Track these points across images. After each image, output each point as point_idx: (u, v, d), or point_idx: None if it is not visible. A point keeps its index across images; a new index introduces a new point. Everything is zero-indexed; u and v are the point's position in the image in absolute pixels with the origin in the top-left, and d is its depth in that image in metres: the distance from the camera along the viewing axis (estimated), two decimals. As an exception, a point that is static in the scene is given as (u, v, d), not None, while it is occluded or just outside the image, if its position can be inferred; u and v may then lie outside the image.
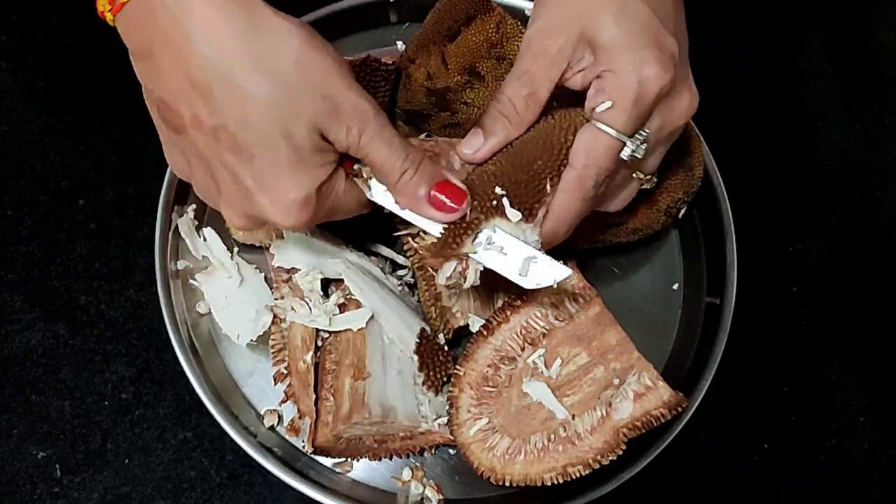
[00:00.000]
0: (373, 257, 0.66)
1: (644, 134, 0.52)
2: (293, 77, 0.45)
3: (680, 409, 0.57)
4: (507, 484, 0.57)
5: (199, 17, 0.44)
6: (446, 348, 0.62)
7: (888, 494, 0.69)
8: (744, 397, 0.71)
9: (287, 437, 0.62)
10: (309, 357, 0.62)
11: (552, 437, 0.57)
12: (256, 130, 0.45)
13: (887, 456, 0.70)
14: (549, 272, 0.52)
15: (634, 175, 0.56)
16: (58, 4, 0.82)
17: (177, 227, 0.65)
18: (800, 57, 0.87)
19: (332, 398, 0.60)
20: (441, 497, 0.61)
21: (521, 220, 0.52)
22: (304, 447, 0.62)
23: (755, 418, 0.71)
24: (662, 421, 0.56)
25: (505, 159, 0.55)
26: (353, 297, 0.63)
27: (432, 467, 0.63)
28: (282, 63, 0.45)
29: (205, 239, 0.66)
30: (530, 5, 0.72)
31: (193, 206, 0.67)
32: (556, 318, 0.61)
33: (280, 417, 0.63)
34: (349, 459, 0.62)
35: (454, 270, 0.52)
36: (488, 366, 0.60)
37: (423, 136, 0.67)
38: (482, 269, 0.53)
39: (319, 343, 0.63)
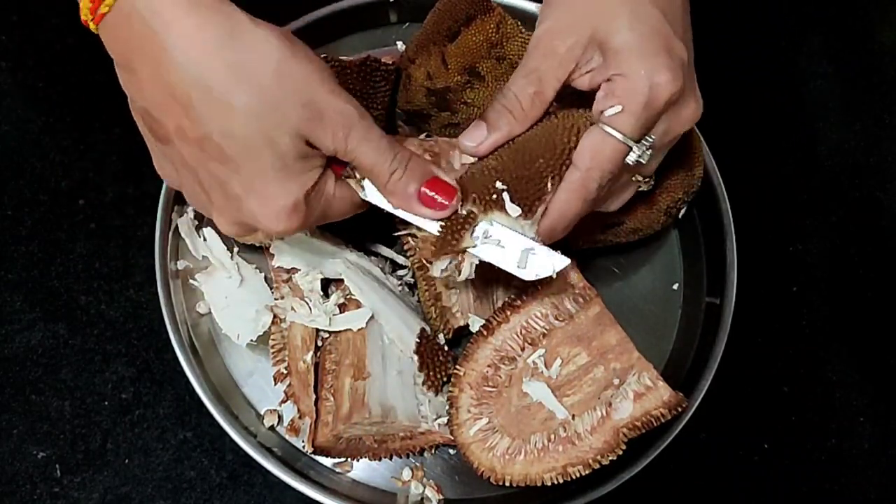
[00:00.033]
0: (373, 257, 0.66)
1: (650, 140, 0.53)
2: (273, 85, 0.45)
3: (680, 409, 0.57)
4: (507, 484, 0.57)
5: (177, 29, 0.43)
6: (446, 348, 0.62)
7: (888, 494, 0.69)
8: (744, 397, 0.71)
9: (287, 437, 0.62)
10: (309, 357, 0.62)
11: (552, 437, 0.57)
12: (240, 139, 0.45)
13: (887, 456, 0.70)
14: (548, 262, 0.52)
15: (633, 178, 0.56)
16: (58, 4, 0.82)
17: (177, 227, 0.65)
18: (800, 57, 0.87)
19: (332, 398, 0.60)
20: (441, 497, 0.61)
21: (520, 215, 0.52)
22: (304, 447, 0.62)
23: (755, 418, 0.71)
24: (662, 421, 0.56)
25: (507, 155, 0.55)
26: (353, 297, 0.63)
27: (432, 467, 0.63)
28: (261, 72, 0.45)
29: (205, 239, 0.66)
30: (530, 5, 0.73)
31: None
32: (556, 318, 0.61)
33: (280, 417, 0.63)
34: (349, 459, 0.62)
35: (449, 263, 0.52)
36: (488, 366, 0.60)
37: (423, 136, 0.67)
38: (477, 262, 0.53)
39: (319, 343, 0.63)
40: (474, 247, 0.52)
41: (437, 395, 0.61)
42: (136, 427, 0.67)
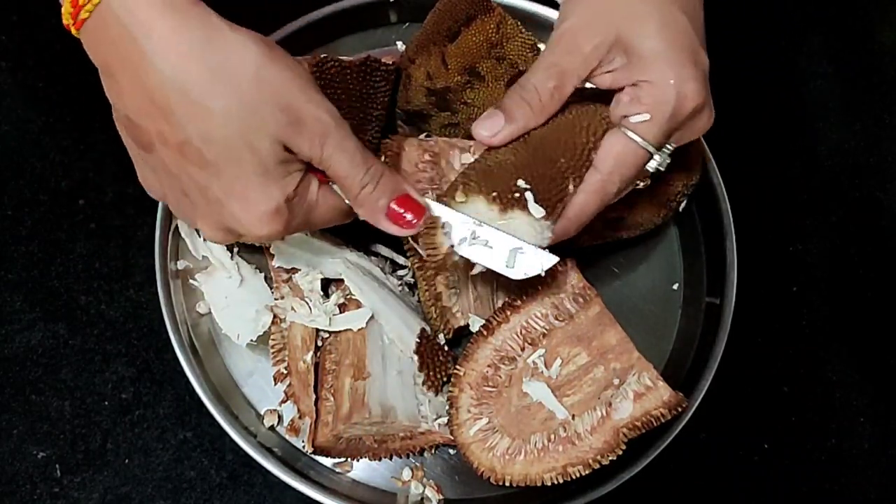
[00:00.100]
0: (373, 257, 0.66)
1: (671, 147, 0.53)
2: (252, 90, 0.45)
3: (680, 409, 0.57)
4: (507, 484, 0.57)
5: (157, 34, 0.43)
6: (446, 348, 0.62)
7: (888, 494, 0.69)
8: (744, 397, 0.71)
9: (287, 437, 0.62)
10: (309, 357, 0.62)
11: (552, 437, 0.57)
12: (220, 144, 0.45)
13: (887, 456, 0.70)
14: (536, 261, 0.52)
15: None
16: (58, 4, 0.81)
17: (177, 227, 0.65)
18: (800, 57, 0.87)
19: (332, 398, 0.60)
20: (441, 497, 0.61)
21: (543, 216, 0.51)
22: (304, 447, 0.61)
23: (755, 418, 0.71)
24: (662, 421, 0.56)
25: (524, 151, 0.54)
26: (353, 297, 0.63)
27: (432, 467, 0.63)
28: (240, 75, 0.45)
29: (205, 239, 0.66)
30: (530, 5, 0.73)
31: (193, 206, 0.67)
32: (556, 318, 0.61)
33: (280, 417, 0.63)
34: (349, 459, 0.62)
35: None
36: (488, 366, 0.60)
37: (423, 136, 0.67)
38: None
39: (319, 343, 0.63)
40: (458, 245, 0.53)
41: (437, 395, 0.61)
42: (136, 427, 0.67)
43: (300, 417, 0.61)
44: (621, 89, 0.53)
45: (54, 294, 0.71)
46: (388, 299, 0.63)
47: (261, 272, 0.66)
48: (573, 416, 0.58)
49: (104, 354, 0.69)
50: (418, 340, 0.61)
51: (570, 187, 0.52)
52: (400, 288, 0.66)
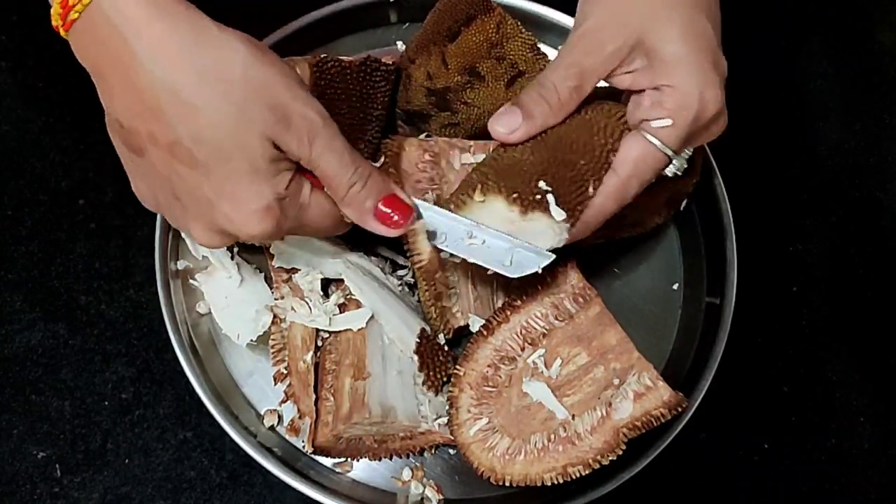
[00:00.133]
0: (373, 257, 0.66)
1: (689, 152, 0.53)
2: (240, 89, 0.45)
3: (680, 409, 0.57)
4: (507, 484, 0.57)
5: (147, 35, 0.44)
6: (446, 348, 0.62)
7: (888, 494, 0.69)
8: (744, 397, 0.71)
9: (287, 437, 0.62)
10: (309, 357, 0.62)
11: (552, 437, 0.57)
12: (210, 143, 0.46)
13: (887, 456, 0.70)
14: (533, 259, 0.52)
15: None
16: (58, 4, 0.82)
17: (177, 227, 0.65)
18: (800, 57, 0.87)
19: (332, 398, 0.60)
20: (441, 497, 0.61)
21: (564, 219, 0.51)
22: (304, 447, 0.61)
23: (755, 418, 0.71)
24: (662, 421, 0.56)
25: (542, 151, 0.53)
26: (353, 297, 0.63)
27: (432, 467, 0.63)
28: (228, 75, 0.45)
29: (199, 244, 0.66)
30: (530, 5, 0.73)
31: (193, 206, 0.67)
32: (556, 318, 0.61)
33: (280, 417, 0.63)
34: (349, 459, 0.62)
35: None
36: (488, 366, 0.60)
37: (423, 136, 0.67)
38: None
39: (319, 343, 0.63)
40: (443, 243, 0.53)
41: (437, 395, 0.61)
42: (136, 427, 0.67)
43: (300, 417, 0.61)
44: (640, 91, 0.53)
45: (54, 294, 0.71)
46: (388, 299, 0.63)
47: (261, 272, 0.66)
48: (573, 416, 0.58)
49: (104, 354, 0.69)
50: (418, 340, 0.61)
51: (590, 190, 0.52)
52: (400, 288, 0.66)
